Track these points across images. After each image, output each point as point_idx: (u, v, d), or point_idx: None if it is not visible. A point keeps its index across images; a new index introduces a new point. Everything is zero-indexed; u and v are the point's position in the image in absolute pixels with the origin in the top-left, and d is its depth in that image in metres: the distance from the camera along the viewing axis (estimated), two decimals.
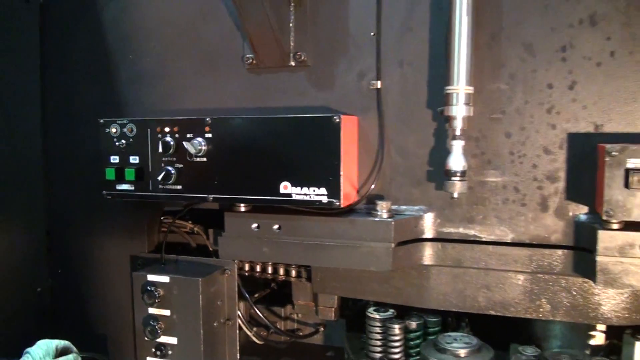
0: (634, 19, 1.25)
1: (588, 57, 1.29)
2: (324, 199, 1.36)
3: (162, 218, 1.79)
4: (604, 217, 1.20)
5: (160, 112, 1.66)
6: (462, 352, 1.31)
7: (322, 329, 1.87)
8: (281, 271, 1.72)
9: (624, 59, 1.27)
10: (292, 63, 1.50)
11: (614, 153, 1.18)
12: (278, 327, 1.87)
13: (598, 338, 1.47)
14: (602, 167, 1.19)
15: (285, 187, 1.39)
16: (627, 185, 1.17)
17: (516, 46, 1.33)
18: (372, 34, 1.43)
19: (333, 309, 1.73)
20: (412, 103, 1.40)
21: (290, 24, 1.49)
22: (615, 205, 1.18)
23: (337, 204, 1.34)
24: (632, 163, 1.17)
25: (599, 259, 1.23)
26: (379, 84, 1.42)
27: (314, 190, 1.36)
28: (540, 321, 1.53)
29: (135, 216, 1.75)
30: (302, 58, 1.49)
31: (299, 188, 1.38)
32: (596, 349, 1.47)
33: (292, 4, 1.47)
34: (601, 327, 1.47)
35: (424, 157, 1.40)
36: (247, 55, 1.55)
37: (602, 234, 1.22)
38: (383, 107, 1.43)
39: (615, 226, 1.22)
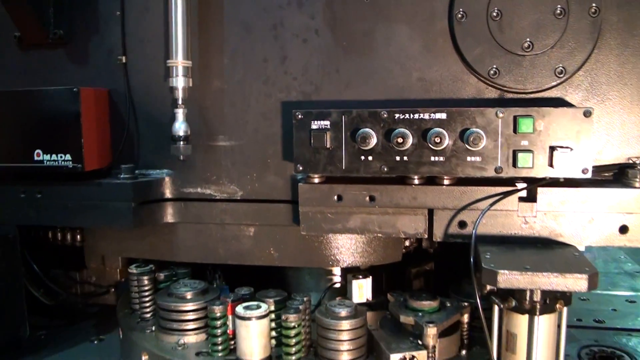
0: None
1: (296, 34, 1.47)
2: (70, 164, 1.49)
3: None
4: (294, 172, 1.38)
5: None
6: (189, 295, 1.48)
7: (113, 289, 2.02)
8: (68, 237, 1.85)
9: (327, 35, 1.45)
10: (51, 39, 1.62)
11: (300, 117, 1.36)
12: (74, 290, 2.01)
13: (335, 280, 1.67)
14: None
15: (38, 155, 1.52)
16: (311, 143, 1.36)
17: (236, 24, 1.49)
18: (117, 12, 1.56)
19: (118, 269, 1.88)
20: (153, 76, 1.55)
21: (50, 3, 1.61)
22: (304, 161, 1.37)
23: (81, 168, 1.48)
24: (316, 125, 1.36)
25: (301, 208, 1.41)
26: (124, 60, 1.56)
27: (61, 157, 1.50)
28: (286, 268, 1.71)
29: None
30: (59, 34, 1.61)
31: (48, 155, 1.51)
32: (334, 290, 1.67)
33: None
34: (337, 270, 1.66)
35: (166, 125, 1.55)
36: (16, 33, 1.66)
37: (302, 187, 1.41)
38: (129, 80, 1.57)
39: (316, 180, 1.41)
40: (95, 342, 1.98)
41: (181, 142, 1.47)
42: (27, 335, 1.84)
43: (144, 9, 1.55)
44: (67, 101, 1.49)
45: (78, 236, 1.86)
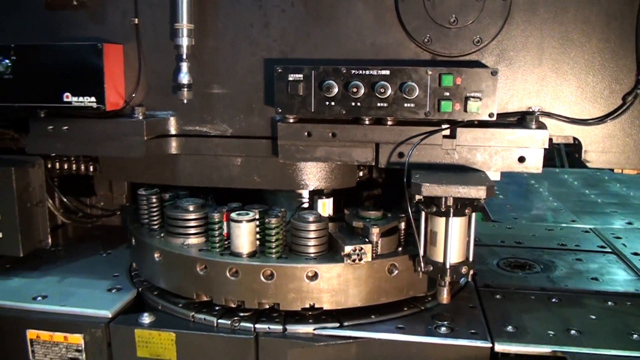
0: None
1: (276, 5, 1.86)
2: (94, 104, 1.87)
3: None
4: (275, 113, 1.80)
5: None
6: (191, 207, 1.91)
7: (119, 212, 2.43)
8: (82, 167, 2.25)
9: (301, 7, 1.85)
10: (75, 3, 1.97)
11: (279, 71, 1.76)
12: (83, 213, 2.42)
13: (304, 200, 2.09)
14: None
15: (67, 97, 1.90)
16: (288, 91, 1.76)
17: None
18: None
19: (124, 194, 2.28)
20: (160, 35, 1.92)
21: None
22: (282, 105, 1.77)
23: (103, 108, 1.87)
24: (292, 77, 1.76)
25: (279, 142, 1.83)
26: (136, 21, 1.93)
27: (87, 99, 1.88)
28: (265, 191, 2.12)
29: None
30: (81, 0, 1.97)
31: (76, 97, 1.89)
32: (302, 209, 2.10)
33: None
34: (305, 193, 2.09)
35: (169, 75, 1.93)
36: None
37: (280, 125, 1.81)
38: (140, 38, 1.94)
39: (291, 120, 1.82)
40: (104, 255, 2.41)
41: (185, 89, 1.86)
42: (48, 247, 2.25)
43: None
44: (92, 54, 1.85)
45: (91, 167, 2.25)
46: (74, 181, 2.44)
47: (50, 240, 2.22)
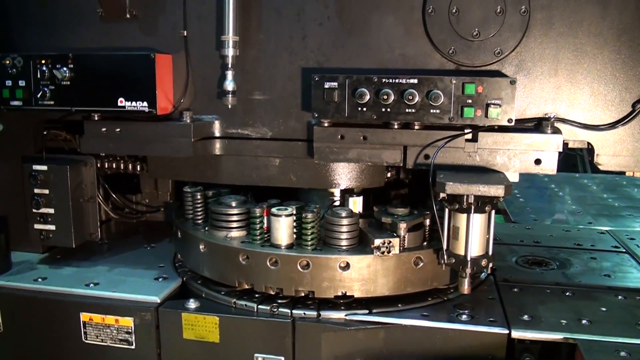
0: None
1: (314, 19, 2.04)
2: (146, 109, 2.06)
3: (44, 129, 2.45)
4: (312, 118, 1.97)
5: (38, 50, 2.27)
6: (234, 203, 2.09)
7: (163, 209, 2.62)
8: (130, 166, 2.44)
9: (336, 21, 2.02)
10: (128, 16, 2.17)
11: (317, 79, 1.93)
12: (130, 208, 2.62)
13: (336, 198, 2.26)
14: None
15: (121, 102, 2.09)
16: (323, 98, 1.94)
17: (270, 10, 2.05)
18: None
19: (168, 192, 2.47)
20: (207, 46, 2.11)
21: None
22: (318, 110, 1.94)
23: (155, 112, 2.05)
24: (327, 85, 1.93)
25: (315, 144, 2.00)
26: (185, 33, 2.12)
27: (139, 103, 2.06)
28: (300, 190, 2.29)
29: (25, 127, 2.39)
30: (135, 13, 2.16)
31: (129, 102, 2.08)
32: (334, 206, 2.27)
33: None
34: (337, 192, 2.25)
35: (215, 82, 2.11)
36: (98, 10, 2.20)
37: (316, 129, 1.98)
38: (188, 49, 2.13)
39: (325, 124, 1.99)
40: (148, 248, 2.59)
41: (229, 95, 2.04)
42: (98, 240, 2.44)
43: None
44: (145, 63, 2.04)
45: (137, 166, 2.44)
46: (121, 180, 2.64)
47: (99, 234, 2.42)
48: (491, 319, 1.90)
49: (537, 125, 1.96)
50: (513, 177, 1.92)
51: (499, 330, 1.84)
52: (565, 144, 1.93)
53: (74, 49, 2.18)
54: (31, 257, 2.42)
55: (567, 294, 2.13)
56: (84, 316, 2.09)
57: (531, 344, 1.85)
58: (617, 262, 2.52)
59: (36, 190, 2.28)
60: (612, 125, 1.93)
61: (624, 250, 2.69)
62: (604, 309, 2.00)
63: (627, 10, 1.87)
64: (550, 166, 1.89)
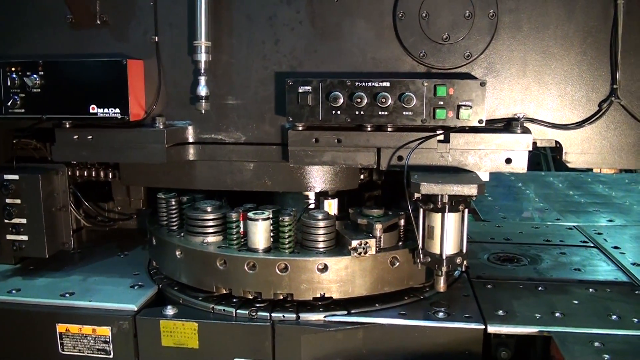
0: None
1: (285, 24, 2.05)
2: (119, 116, 2.05)
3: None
4: (286, 122, 1.98)
5: (6, 57, 2.23)
6: (209, 208, 2.09)
7: (135, 216, 2.60)
8: (102, 174, 2.42)
9: (308, 25, 2.04)
10: (99, 22, 2.15)
11: (290, 83, 1.95)
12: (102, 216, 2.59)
13: (311, 201, 2.27)
14: None
15: (93, 108, 2.07)
16: (298, 102, 1.95)
17: (241, 15, 2.06)
18: (151, 3, 2.10)
19: (141, 199, 2.46)
20: (179, 52, 2.11)
21: None
22: (293, 114, 1.96)
23: (127, 119, 2.04)
24: (301, 89, 1.94)
25: (290, 148, 2.01)
26: (156, 39, 2.11)
27: (112, 110, 2.05)
28: (275, 193, 2.30)
29: None
30: (105, 19, 2.14)
31: (101, 109, 2.06)
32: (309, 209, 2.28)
33: None
34: (312, 194, 2.27)
35: (187, 87, 2.11)
36: (68, 15, 2.18)
37: (291, 133, 1.99)
38: (160, 54, 2.12)
39: (300, 128, 2.01)
40: (122, 256, 2.57)
41: (202, 101, 2.03)
42: (71, 249, 2.41)
43: (172, 1, 2.09)
44: (117, 69, 2.03)
45: (109, 173, 2.42)
46: (93, 187, 2.61)
47: (72, 243, 2.39)
48: (467, 315, 1.93)
49: (507, 125, 2.01)
50: (484, 177, 1.96)
51: (475, 326, 1.88)
52: (534, 143, 1.98)
53: (44, 56, 2.15)
54: (4, 269, 2.38)
55: (540, 288, 2.18)
56: (60, 327, 2.06)
57: (507, 338, 1.89)
58: (586, 257, 2.59)
59: (8, 201, 2.24)
60: (580, 124, 1.98)
61: (592, 245, 2.77)
62: (576, 302, 2.05)
63: (593, 13, 1.93)
64: (520, 165, 1.94)
